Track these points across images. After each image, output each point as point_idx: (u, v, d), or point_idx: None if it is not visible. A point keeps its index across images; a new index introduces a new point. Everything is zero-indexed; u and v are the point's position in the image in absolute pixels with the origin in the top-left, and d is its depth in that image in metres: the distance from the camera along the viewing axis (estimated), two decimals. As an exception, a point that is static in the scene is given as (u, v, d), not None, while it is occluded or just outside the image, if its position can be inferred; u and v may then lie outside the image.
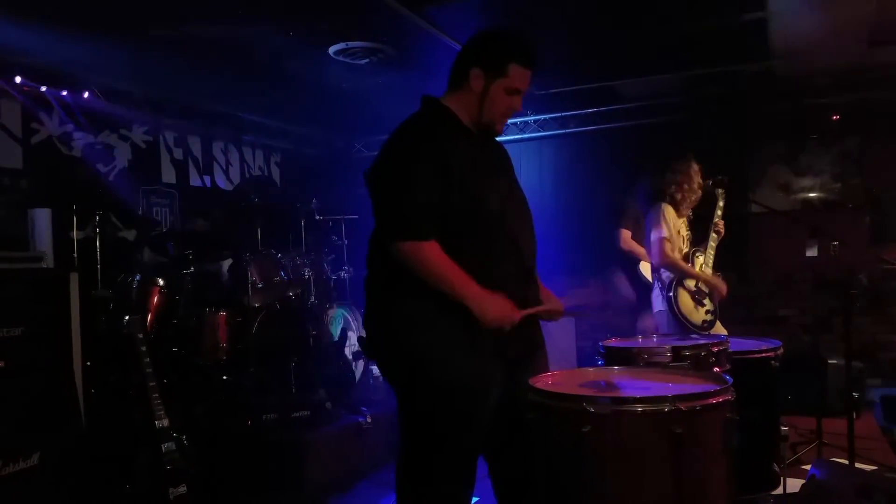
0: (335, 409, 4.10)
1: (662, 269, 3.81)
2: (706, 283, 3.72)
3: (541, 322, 2.23)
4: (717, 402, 1.70)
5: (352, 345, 5.02)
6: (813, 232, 3.53)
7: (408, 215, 1.98)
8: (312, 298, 4.80)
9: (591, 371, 2.13)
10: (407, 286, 2.00)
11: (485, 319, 1.95)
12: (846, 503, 2.33)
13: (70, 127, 4.81)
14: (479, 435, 2.05)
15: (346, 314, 5.21)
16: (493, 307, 1.96)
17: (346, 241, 5.45)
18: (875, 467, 3.41)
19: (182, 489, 3.10)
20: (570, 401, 1.73)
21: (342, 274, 5.34)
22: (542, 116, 6.38)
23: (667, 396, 1.67)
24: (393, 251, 1.99)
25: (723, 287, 3.75)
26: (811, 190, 5.71)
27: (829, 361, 4.49)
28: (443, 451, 2.02)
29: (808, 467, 2.87)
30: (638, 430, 1.66)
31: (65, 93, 4.66)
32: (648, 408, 1.66)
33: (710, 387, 1.78)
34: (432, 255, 1.97)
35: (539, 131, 6.48)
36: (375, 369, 4.73)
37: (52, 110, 4.70)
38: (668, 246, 3.69)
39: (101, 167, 5.04)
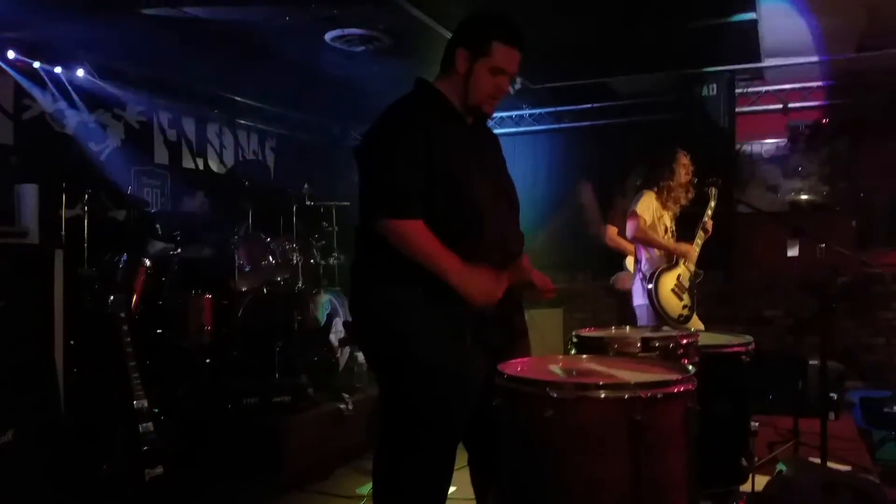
0: (317, 394, 4.12)
1: (643, 263, 3.83)
2: (675, 251, 3.77)
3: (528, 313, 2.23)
4: (678, 392, 1.71)
5: (338, 331, 5.03)
6: (795, 232, 3.53)
7: (394, 193, 1.97)
8: (300, 284, 4.81)
9: (560, 359, 2.14)
10: (393, 272, 2.00)
11: (470, 298, 1.95)
12: (811, 499, 2.35)
13: (63, 104, 4.81)
14: (460, 421, 2.05)
15: (333, 300, 5.22)
16: (478, 285, 1.96)
17: (336, 228, 5.46)
18: (849, 467, 3.44)
19: (159, 470, 3.10)
20: (533, 385, 1.75)
21: (331, 260, 5.35)
22: (537, 110, 6.38)
23: (628, 383, 1.69)
24: (378, 229, 1.98)
25: (692, 254, 3.80)
26: (799, 192, 5.73)
27: (811, 362, 4.51)
28: (424, 436, 2.01)
29: (782, 466, 2.90)
30: (599, 416, 1.67)
31: (58, 69, 4.66)
32: (610, 394, 1.67)
33: (672, 376, 1.79)
34: (418, 232, 1.95)
35: (534, 125, 6.48)
36: (360, 356, 4.75)
37: (45, 87, 4.69)
38: (641, 221, 3.71)
39: (93, 146, 5.04)
